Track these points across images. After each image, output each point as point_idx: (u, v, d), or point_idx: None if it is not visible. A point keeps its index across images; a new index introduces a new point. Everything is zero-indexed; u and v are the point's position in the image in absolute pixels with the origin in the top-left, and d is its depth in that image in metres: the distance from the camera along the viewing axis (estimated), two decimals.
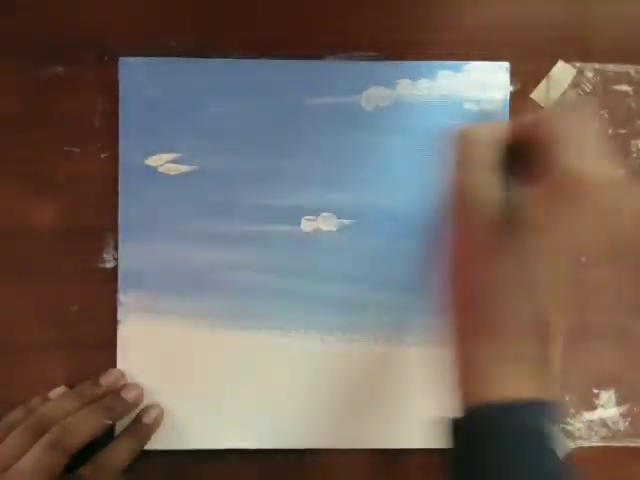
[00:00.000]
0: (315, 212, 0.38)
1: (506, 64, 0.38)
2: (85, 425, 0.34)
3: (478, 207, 0.27)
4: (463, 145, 0.28)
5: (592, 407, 0.39)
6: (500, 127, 0.28)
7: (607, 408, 0.39)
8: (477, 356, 0.27)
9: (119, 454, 0.35)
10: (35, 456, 0.32)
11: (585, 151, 0.26)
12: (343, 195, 0.38)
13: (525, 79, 0.39)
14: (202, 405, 0.37)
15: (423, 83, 0.38)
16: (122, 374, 0.37)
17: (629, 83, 0.39)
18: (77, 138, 0.38)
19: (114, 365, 0.37)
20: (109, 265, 0.38)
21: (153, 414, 0.37)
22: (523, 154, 0.28)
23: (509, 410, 0.25)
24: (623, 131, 0.39)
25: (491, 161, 0.27)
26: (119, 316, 0.37)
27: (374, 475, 0.38)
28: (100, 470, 0.34)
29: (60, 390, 0.37)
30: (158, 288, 0.38)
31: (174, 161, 0.38)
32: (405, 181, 0.38)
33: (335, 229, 0.38)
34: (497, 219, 0.27)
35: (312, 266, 0.38)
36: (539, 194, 0.26)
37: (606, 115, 0.39)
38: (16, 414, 0.35)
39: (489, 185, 0.27)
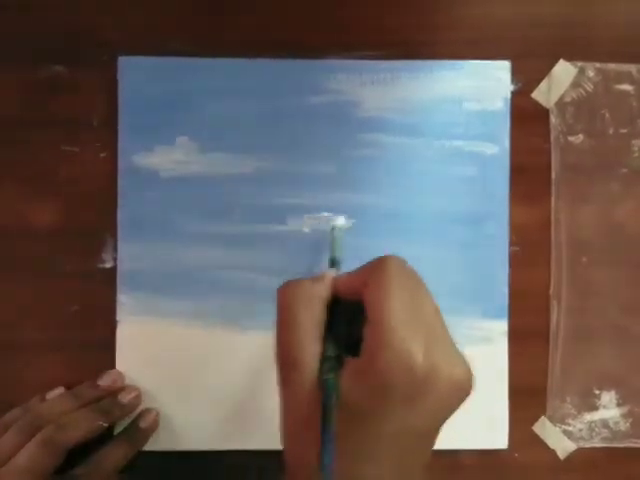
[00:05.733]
0: (315, 212, 0.38)
1: (507, 63, 0.38)
2: (79, 425, 0.34)
3: (298, 370, 0.25)
4: (282, 303, 0.26)
5: (593, 408, 0.39)
6: (324, 282, 0.27)
7: (608, 409, 0.39)
8: None
9: (113, 456, 0.35)
10: (28, 453, 0.32)
11: (409, 332, 0.23)
12: (343, 195, 0.38)
13: (526, 78, 0.39)
14: (201, 406, 0.37)
15: (424, 82, 0.38)
16: (120, 376, 0.37)
17: (631, 82, 0.39)
18: (76, 138, 0.38)
19: (113, 366, 0.37)
20: (108, 265, 0.38)
21: (150, 418, 0.37)
22: (352, 312, 0.25)
23: None
24: (624, 130, 0.39)
25: (313, 320, 0.25)
26: (118, 317, 0.37)
27: None
28: (94, 471, 0.34)
29: (58, 391, 0.36)
30: (157, 289, 0.37)
31: (174, 161, 0.38)
32: (405, 180, 0.38)
33: None
34: (317, 386, 0.24)
35: (312, 266, 0.38)
36: (356, 368, 0.24)
37: (607, 114, 0.39)
38: (13, 414, 0.35)
39: (310, 347, 0.25)
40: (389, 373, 0.23)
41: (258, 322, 0.38)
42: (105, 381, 0.36)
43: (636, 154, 0.39)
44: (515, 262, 0.38)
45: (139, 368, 0.37)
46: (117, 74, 0.37)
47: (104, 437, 0.35)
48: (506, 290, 0.38)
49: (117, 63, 0.37)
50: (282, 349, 0.26)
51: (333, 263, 0.33)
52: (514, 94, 0.38)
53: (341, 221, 0.37)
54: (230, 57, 0.38)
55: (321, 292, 0.26)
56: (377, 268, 0.25)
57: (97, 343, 0.37)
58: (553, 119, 0.39)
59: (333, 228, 0.36)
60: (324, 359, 0.25)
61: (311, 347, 0.25)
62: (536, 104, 0.39)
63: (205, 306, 0.38)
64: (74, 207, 0.38)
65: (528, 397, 0.38)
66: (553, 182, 0.39)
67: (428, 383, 0.23)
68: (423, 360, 0.23)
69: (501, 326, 0.38)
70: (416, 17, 0.39)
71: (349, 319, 0.25)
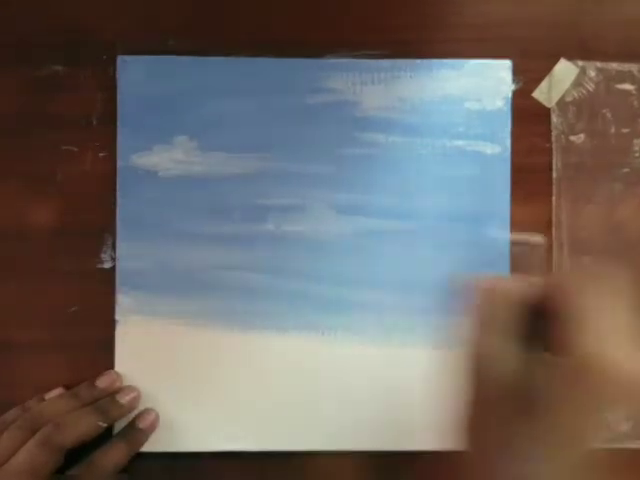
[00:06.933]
0: (314, 212, 0.38)
1: (508, 62, 0.38)
2: (77, 425, 0.34)
3: (492, 372, 0.24)
4: (480, 299, 0.25)
5: None
6: (519, 282, 0.26)
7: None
8: None
9: (111, 456, 0.35)
10: (27, 453, 0.32)
11: (608, 332, 0.23)
12: (343, 195, 0.38)
13: (527, 77, 0.38)
14: (200, 406, 0.37)
15: (424, 81, 0.38)
16: (118, 376, 0.37)
17: (632, 82, 0.39)
18: (75, 137, 0.38)
19: (112, 366, 0.37)
20: (107, 265, 0.38)
21: (148, 419, 0.37)
22: (544, 317, 0.25)
23: None
24: (626, 130, 0.39)
25: (509, 321, 0.25)
26: (117, 317, 0.37)
27: (374, 477, 0.38)
28: (92, 471, 0.34)
29: (57, 391, 0.36)
30: (156, 288, 0.37)
31: (173, 160, 0.38)
32: (406, 180, 0.38)
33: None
34: (511, 390, 0.24)
35: (311, 266, 0.38)
36: (557, 370, 0.24)
37: (609, 114, 0.39)
38: (12, 414, 0.35)
39: (505, 349, 0.24)
40: (595, 369, 0.23)
41: (258, 322, 0.37)
42: (103, 382, 0.36)
43: (638, 154, 0.39)
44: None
45: (138, 368, 0.37)
46: (116, 73, 0.38)
47: (103, 437, 0.35)
48: None
49: (116, 62, 0.37)
50: (477, 344, 0.25)
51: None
52: (515, 93, 0.38)
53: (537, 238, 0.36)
54: (230, 57, 0.38)
55: (521, 292, 0.26)
56: (581, 274, 0.26)
57: (96, 343, 0.37)
58: (554, 119, 0.39)
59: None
60: (524, 357, 0.25)
61: (508, 345, 0.25)
62: (537, 103, 0.39)
63: (205, 306, 0.37)
64: (73, 207, 0.38)
65: None
66: (554, 182, 0.39)
67: (633, 388, 0.23)
68: (627, 363, 0.23)
69: None
70: (416, 16, 0.39)
71: (534, 319, 0.25)
